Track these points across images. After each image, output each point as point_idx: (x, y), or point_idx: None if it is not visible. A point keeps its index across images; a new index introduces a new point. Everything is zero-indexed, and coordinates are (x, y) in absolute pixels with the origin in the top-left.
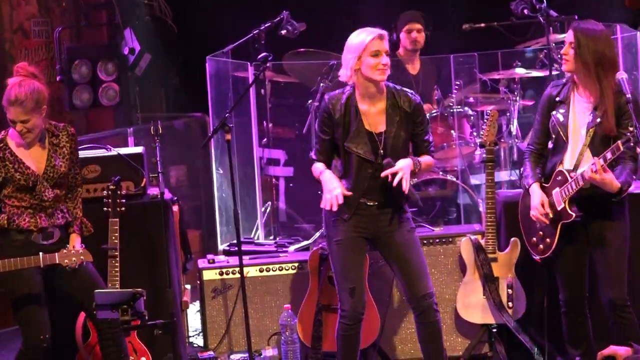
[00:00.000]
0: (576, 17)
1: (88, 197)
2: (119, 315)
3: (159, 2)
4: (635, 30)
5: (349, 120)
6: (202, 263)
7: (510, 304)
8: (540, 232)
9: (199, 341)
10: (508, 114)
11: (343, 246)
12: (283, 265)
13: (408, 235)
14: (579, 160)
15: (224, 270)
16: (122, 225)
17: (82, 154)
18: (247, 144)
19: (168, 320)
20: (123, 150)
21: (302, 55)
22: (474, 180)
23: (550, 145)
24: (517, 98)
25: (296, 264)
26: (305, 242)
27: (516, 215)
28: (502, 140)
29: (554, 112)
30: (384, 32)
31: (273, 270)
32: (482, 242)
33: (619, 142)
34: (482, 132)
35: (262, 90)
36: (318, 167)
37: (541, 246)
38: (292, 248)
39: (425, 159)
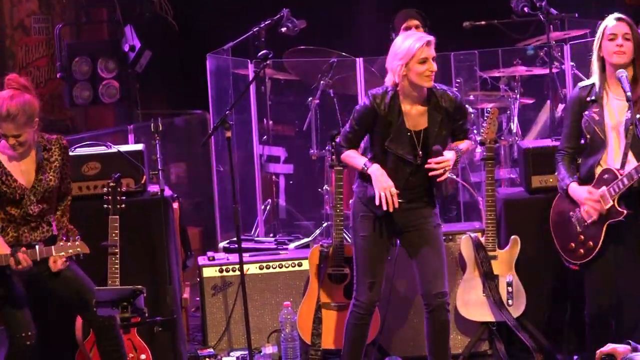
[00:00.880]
0: (577, 15)
1: (88, 194)
2: (118, 312)
3: None
4: None
5: (392, 120)
6: (202, 260)
7: (510, 301)
8: (581, 236)
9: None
10: (508, 111)
11: (368, 241)
12: (283, 263)
13: (433, 232)
14: (624, 158)
15: (224, 267)
16: (122, 223)
17: (83, 151)
18: (247, 142)
19: (168, 317)
20: (123, 148)
21: (303, 52)
22: (474, 178)
23: (582, 143)
24: (518, 96)
25: (296, 262)
26: (305, 240)
27: (516, 214)
28: (502, 138)
29: (586, 112)
30: (432, 38)
31: (273, 268)
32: (482, 239)
33: None
34: (482, 130)
35: (263, 88)
36: (351, 154)
37: (582, 250)
38: (292, 245)
39: (464, 145)
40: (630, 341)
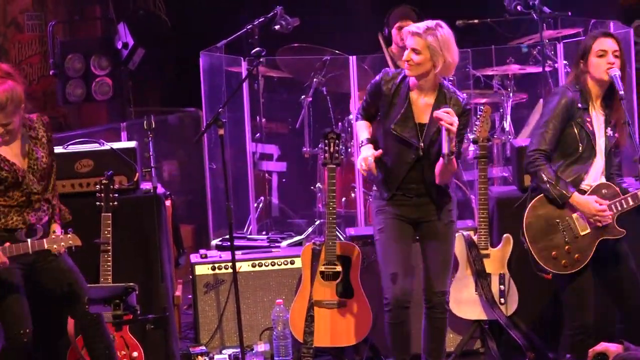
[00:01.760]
0: (570, 13)
1: (81, 192)
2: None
3: None
4: (628, 27)
5: (396, 102)
6: (194, 258)
7: (502, 300)
8: (568, 247)
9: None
10: (501, 110)
11: (385, 233)
12: (275, 261)
13: (444, 229)
14: (608, 174)
15: (216, 265)
16: (114, 220)
17: (75, 148)
18: (240, 139)
19: (160, 314)
20: (116, 145)
21: (295, 50)
22: (467, 176)
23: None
24: (511, 94)
25: (288, 259)
26: (298, 237)
27: (509, 213)
28: (495, 136)
29: (579, 120)
30: (412, 28)
31: (265, 266)
32: (475, 238)
33: None
34: (475, 128)
35: (256, 85)
36: (360, 126)
37: (565, 262)
38: (284, 243)
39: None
40: (622, 340)
